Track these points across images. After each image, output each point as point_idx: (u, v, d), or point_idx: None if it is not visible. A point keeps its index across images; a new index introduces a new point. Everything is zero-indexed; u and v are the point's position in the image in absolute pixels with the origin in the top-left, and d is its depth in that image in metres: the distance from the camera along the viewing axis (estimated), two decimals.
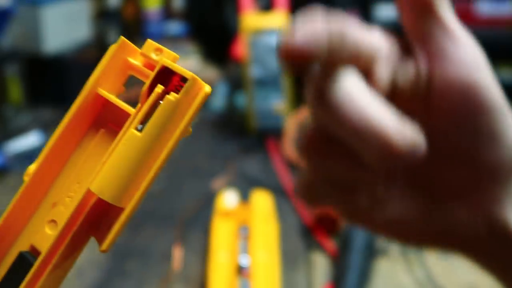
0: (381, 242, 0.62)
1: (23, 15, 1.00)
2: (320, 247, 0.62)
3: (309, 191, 0.27)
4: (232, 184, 0.76)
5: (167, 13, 1.68)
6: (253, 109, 0.91)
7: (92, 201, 0.19)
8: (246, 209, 0.63)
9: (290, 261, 0.60)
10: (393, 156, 0.21)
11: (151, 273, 0.59)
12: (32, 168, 0.21)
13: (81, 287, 0.56)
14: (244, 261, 0.54)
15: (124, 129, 0.19)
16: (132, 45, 0.20)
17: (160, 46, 0.20)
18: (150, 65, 0.20)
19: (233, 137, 0.92)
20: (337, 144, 0.24)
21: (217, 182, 0.77)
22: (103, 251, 0.19)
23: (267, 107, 0.91)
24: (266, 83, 0.90)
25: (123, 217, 0.19)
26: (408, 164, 0.22)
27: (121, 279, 0.57)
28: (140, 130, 0.19)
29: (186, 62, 1.42)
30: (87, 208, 0.19)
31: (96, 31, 1.28)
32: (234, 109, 0.98)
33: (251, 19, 0.89)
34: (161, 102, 0.19)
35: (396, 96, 0.25)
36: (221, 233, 0.60)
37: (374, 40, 0.24)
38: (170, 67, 0.19)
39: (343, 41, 0.22)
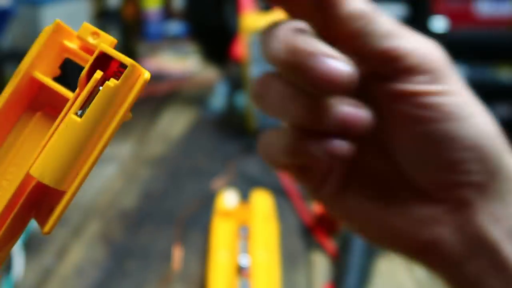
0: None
1: (23, 15, 1.00)
2: (320, 247, 0.62)
3: (267, 150, 0.27)
4: (232, 184, 0.76)
5: (167, 13, 1.68)
6: (253, 109, 0.91)
7: (32, 184, 0.19)
8: (246, 209, 0.63)
9: (290, 261, 0.60)
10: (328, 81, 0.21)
11: (151, 273, 0.59)
12: None
13: (81, 287, 0.56)
14: (244, 261, 0.54)
15: (62, 113, 0.19)
16: (68, 28, 0.20)
17: (97, 29, 0.20)
18: (86, 49, 0.20)
19: (233, 137, 0.92)
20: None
21: (217, 182, 0.77)
22: (46, 233, 0.19)
23: None
24: None
25: (64, 200, 0.19)
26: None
27: (121, 279, 0.57)
28: (80, 116, 0.19)
29: (186, 62, 1.42)
30: (26, 191, 0.19)
31: None
32: (234, 109, 0.98)
33: (251, 19, 0.89)
34: (100, 88, 0.19)
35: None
36: (221, 233, 0.60)
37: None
38: (108, 52, 0.19)
39: None
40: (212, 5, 1.06)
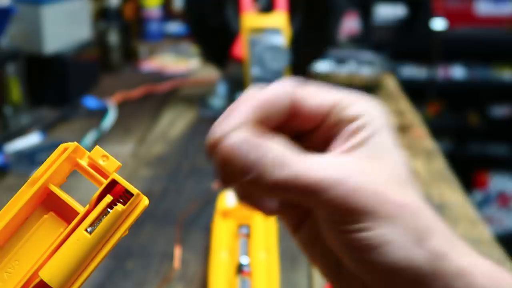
0: None
1: (23, 14, 1.00)
2: None
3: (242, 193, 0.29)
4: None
5: (167, 13, 1.68)
6: None
7: (34, 282, 0.23)
8: (246, 209, 0.63)
9: (290, 261, 0.60)
10: None
11: (151, 273, 0.59)
12: None
13: (81, 287, 0.56)
14: (245, 260, 0.54)
15: (72, 225, 0.23)
16: (83, 148, 0.24)
17: (106, 153, 0.24)
18: (93, 166, 0.24)
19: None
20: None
21: (217, 182, 0.77)
22: None
23: None
24: (266, 83, 0.90)
25: None
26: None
27: (121, 279, 0.57)
28: (89, 232, 0.23)
29: (186, 62, 1.42)
30: None
31: (96, 31, 1.28)
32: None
33: (251, 19, 0.89)
34: (109, 210, 0.23)
35: None
36: (221, 233, 0.60)
37: (324, 99, 0.27)
38: (119, 181, 0.23)
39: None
40: (212, 5, 1.05)
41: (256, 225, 0.60)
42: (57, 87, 1.07)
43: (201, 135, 0.96)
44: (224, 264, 0.55)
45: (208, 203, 0.71)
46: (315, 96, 0.27)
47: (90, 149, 0.24)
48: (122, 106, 1.08)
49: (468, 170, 1.94)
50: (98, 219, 0.23)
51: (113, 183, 0.23)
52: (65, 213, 0.24)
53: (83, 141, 0.87)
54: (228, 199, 0.65)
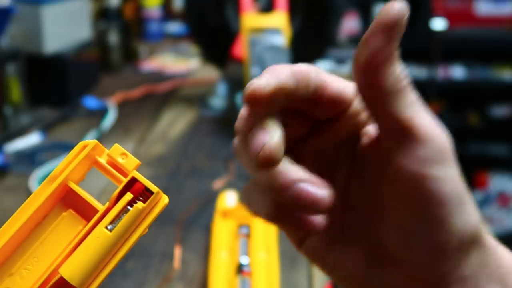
0: None
1: (23, 14, 1.00)
2: None
3: (250, 199, 0.29)
4: (232, 184, 0.76)
5: (167, 13, 1.68)
6: None
7: (55, 279, 0.23)
8: (246, 209, 0.63)
9: (290, 261, 0.60)
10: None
11: (151, 273, 0.59)
12: None
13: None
14: (245, 260, 0.54)
15: (92, 222, 0.23)
16: (102, 146, 0.24)
17: (125, 151, 0.24)
18: (112, 163, 0.24)
19: (233, 137, 0.92)
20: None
21: (217, 182, 0.77)
22: None
23: None
24: None
25: None
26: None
27: (121, 279, 0.57)
28: (110, 230, 0.23)
29: (186, 62, 1.42)
30: (49, 285, 0.23)
31: (96, 31, 1.28)
32: (234, 109, 0.98)
33: (251, 19, 0.89)
34: (129, 207, 0.23)
35: (357, 157, 0.28)
36: (222, 233, 0.60)
37: (347, 90, 0.27)
38: (139, 179, 0.23)
39: (307, 78, 0.26)
40: (212, 5, 1.05)
41: (256, 225, 0.60)
42: (57, 87, 1.07)
43: (201, 135, 0.96)
44: (224, 264, 0.55)
45: (208, 203, 0.71)
46: (339, 82, 0.27)
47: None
48: (122, 106, 1.08)
49: (468, 170, 1.94)
50: (118, 216, 0.23)
51: (133, 181, 0.23)
52: (84, 211, 0.24)
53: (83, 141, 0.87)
54: (228, 199, 0.65)
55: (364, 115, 0.27)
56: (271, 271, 0.55)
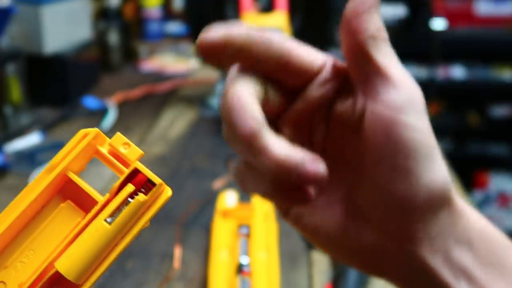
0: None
1: (23, 14, 1.00)
2: None
3: (240, 179, 0.30)
4: (232, 184, 0.76)
5: (167, 13, 1.68)
6: None
7: (50, 273, 0.22)
8: (246, 209, 0.63)
9: (290, 261, 0.60)
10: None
11: (151, 273, 0.59)
12: None
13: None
14: (245, 260, 0.54)
15: (90, 214, 0.22)
16: (104, 135, 0.23)
17: (128, 141, 0.23)
18: (114, 153, 0.23)
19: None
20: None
21: (217, 182, 0.77)
22: None
23: None
24: None
25: None
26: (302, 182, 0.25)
27: (121, 279, 0.57)
28: (109, 223, 0.21)
29: (186, 62, 1.42)
30: (44, 279, 0.22)
31: (96, 31, 1.28)
32: None
33: (251, 19, 0.89)
34: (130, 199, 0.22)
35: (331, 119, 0.29)
36: (222, 233, 0.60)
37: (314, 58, 0.28)
38: (141, 170, 0.22)
39: (266, 43, 0.27)
40: (212, 5, 1.05)
41: (256, 225, 0.60)
42: (57, 87, 1.07)
43: (201, 135, 0.96)
44: (224, 264, 0.55)
45: (208, 203, 0.71)
46: (306, 51, 0.28)
47: None
48: (122, 106, 1.08)
49: (468, 170, 1.94)
50: (119, 209, 0.22)
51: (135, 172, 0.22)
52: (84, 202, 0.23)
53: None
54: (228, 199, 0.65)
55: (333, 83, 0.28)
56: (271, 271, 0.55)
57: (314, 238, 0.30)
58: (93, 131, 0.23)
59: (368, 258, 0.29)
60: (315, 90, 0.28)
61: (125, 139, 0.23)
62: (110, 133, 0.95)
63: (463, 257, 0.27)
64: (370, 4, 0.26)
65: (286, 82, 0.28)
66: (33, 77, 1.03)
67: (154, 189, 0.22)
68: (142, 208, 0.22)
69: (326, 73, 0.28)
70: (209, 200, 0.71)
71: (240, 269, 0.53)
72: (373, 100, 0.26)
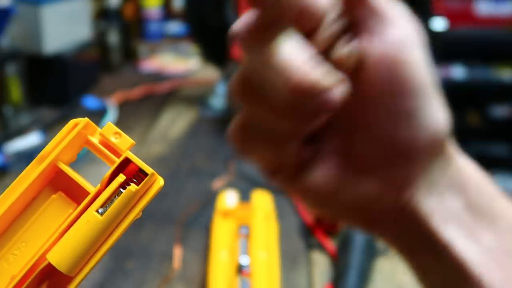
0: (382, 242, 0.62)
1: (23, 15, 1.00)
2: (320, 247, 0.62)
3: (239, 136, 0.28)
4: (232, 184, 0.76)
5: (167, 13, 1.68)
6: None
7: (41, 265, 0.21)
8: (246, 209, 0.63)
9: (290, 261, 0.60)
10: (299, 92, 0.23)
11: (151, 273, 0.59)
12: None
13: (82, 287, 0.56)
14: (244, 260, 0.54)
15: (82, 206, 0.21)
16: (94, 124, 0.23)
17: (119, 130, 0.22)
18: (105, 143, 0.22)
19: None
20: (262, 93, 0.26)
21: (217, 182, 0.77)
22: None
23: None
24: None
25: (72, 286, 0.22)
26: (317, 110, 0.24)
27: (121, 279, 0.57)
28: (101, 214, 0.21)
29: (186, 62, 1.42)
30: (36, 271, 0.21)
31: (96, 31, 1.28)
32: (234, 109, 0.98)
33: None
34: (121, 190, 0.21)
35: (333, 61, 0.26)
36: (221, 233, 0.60)
37: (322, 3, 0.26)
38: (132, 160, 0.22)
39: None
40: (212, 5, 1.05)
41: (256, 225, 0.60)
42: (57, 87, 1.07)
43: (201, 135, 0.96)
44: (224, 264, 0.55)
45: (208, 203, 0.71)
46: None
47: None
48: (122, 106, 1.08)
49: None
50: (110, 199, 0.21)
51: (126, 161, 0.22)
52: (75, 193, 0.22)
53: None
54: (228, 199, 0.65)
55: (337, 25, 0.27)
56: (271, 271, 0.55)
57: (307, 197, 0.29)
58: (83, 120, 0.22)
59: (363, 212, 0.28)
60: (324, 32, 0.26)
61: (116, 129, 0.22)
62: None
63: (454, 201, 0.27)
64: None
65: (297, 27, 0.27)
66: (33, 77, 1.03)
67: (146, 179, 0.21)
68: (134, 199, 0.21)
69: (333, 11, 0.26)
70: (209, 200, 0.71)
71: (240, 269, 0.53)
72: (370, 39, 0.25)
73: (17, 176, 0.23)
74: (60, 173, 0.22)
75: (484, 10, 2.02)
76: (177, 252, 0.61)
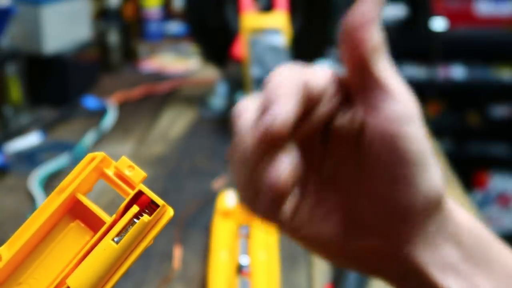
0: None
1: (23, 15, 1.00)
2: None
3: (242, 196, 0.31)
4: (232, 184, 0.76)
5: (167, 13, 1.68)
6: None
7: None
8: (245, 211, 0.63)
9: (290, 261, 0.60)
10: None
11: (151, 273, 0.59)
12: (5, 250, 0.24)
13: None
14: (244, 260, 0.54)
15: (99, 234, 0.24)
16: (109, 158, 0.25)
17: (132, 164, 0.25)
18: (119, 176, 0.25)
19: (233, 137, 0.92)
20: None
21: (217, 182, 0.77)
22: None
23: None
24: None
25: None
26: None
27: (121, 279, 0.57)
28: (116, 242, 0.23)
29: (186, 62, 1.42)
30: None
31: (96, 31, 1.28)
32: (234, 109, 0.98)
33: (251, 19, 0.89)
34: (135, 220, 0.23)
35: (332, 132, 0.29)
36: (221, 233, 0.60)
37: (322, 81, 0.28)
38: (145, 193, 0.24)
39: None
40: (212, 5, 1.05)
41: (256, 225, 0.60)
42: (57, 87, 1.07)
43: (201, 135, 0.96)
44: (224, 264, 0.55)
45: (208, 203, 0.71)
46: (317, 75, 0.28)
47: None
48: (122, 106, 1.08)
49: (468, 170, 1.94)
50: (125, 229, 0.23)
51: (139, 193, 0.24)
52: (91, 222, 0.24)
53: (83, 141, 0.87)
54: (228, 199, 0.65)
55: (338, 96, 0.29)
56: (271, 271, 0.55)
57: (313, 247, 0.31)
58: (99, 155, 0.25)
59: (366, 261, 0.30)
60: (323, 106, 0.29)
61: (130, 162, 0.24)
62: (110, 133, 0.95)
63: (451, 253, 0.29)
64: (371, 16, 0.27)
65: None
66: (33, 77, 1.03)
67: (157, 210, 0.23)
68: (147, 228, 0.23)
69: (331, 88, 0.28)
70: (209, 200, 0.71)
71: (240, 269, 0.53)
72: (372, 112, 0.27)
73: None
74: (78, 203, 0.24)
75: (484, 10, 2.02)
76: (177, 252, 0.61)
